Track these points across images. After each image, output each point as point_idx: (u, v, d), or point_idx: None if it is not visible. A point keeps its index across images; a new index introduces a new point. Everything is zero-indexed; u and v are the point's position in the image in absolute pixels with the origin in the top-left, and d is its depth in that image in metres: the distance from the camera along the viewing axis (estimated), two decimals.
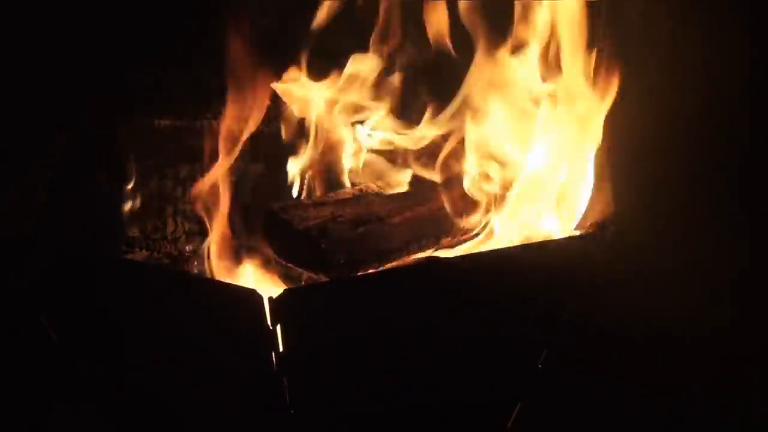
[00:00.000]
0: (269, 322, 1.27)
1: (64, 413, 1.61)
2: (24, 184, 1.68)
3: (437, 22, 1.67)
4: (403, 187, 1.69)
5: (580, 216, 1.62)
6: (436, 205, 1.62)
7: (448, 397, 1.47)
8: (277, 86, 1.67)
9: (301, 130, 1.76)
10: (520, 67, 1.62)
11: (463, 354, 1.44)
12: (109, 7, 1.76)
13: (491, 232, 1.64)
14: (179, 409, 1.49)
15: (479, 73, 1.62)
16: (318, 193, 1.73)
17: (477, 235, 1.64)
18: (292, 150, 1.76)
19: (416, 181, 1.68)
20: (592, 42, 1.58)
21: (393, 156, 1.74)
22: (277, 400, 1.34)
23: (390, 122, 1.72)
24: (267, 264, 1.58)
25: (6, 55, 1.71)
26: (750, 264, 1.85)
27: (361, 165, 1.74)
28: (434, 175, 1.66)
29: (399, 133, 1.71)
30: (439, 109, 1.67)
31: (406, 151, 1.71)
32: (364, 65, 1.69)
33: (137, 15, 1.79)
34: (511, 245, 1.59)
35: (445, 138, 1.67)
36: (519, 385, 1.55)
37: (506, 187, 1.65)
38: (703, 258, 1.82)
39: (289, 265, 1.57)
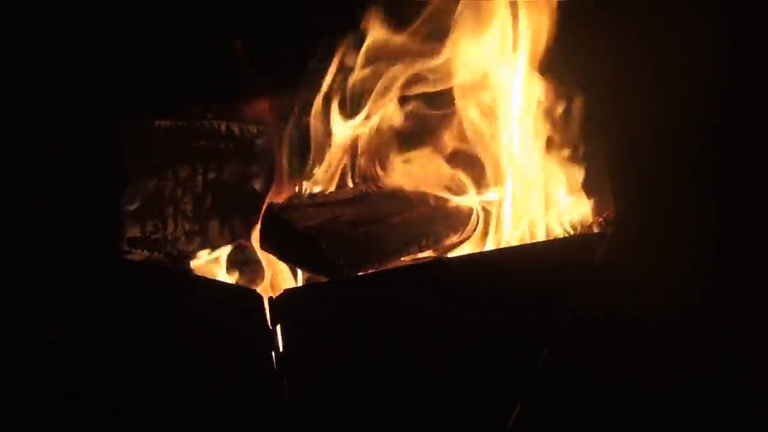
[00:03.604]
0: (269, 322, 1.27)
1: (65, 413, 1.61)
2: (24, 185, 1.68)
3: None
4: (404, 187, 1.69)
5: (580, 216, 1.62)
6: (436, 205, 1.62)
7: (448, 397, 1.47)
8: None
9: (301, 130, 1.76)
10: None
11: (463, 354, 1.44)
12: (110, 7, 1.77)
13: (491, 232, 1.64)
14: (179, 408, 1.49)
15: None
16: (318, 193, 1.73)
17: (477, 235, 1.65)
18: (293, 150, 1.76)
19: (416, 181, 1.68)
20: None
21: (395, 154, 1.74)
22: (277, 400, 1.34)
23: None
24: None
25: (7, 54, 1.71)
26: (750, 263, 1.85)
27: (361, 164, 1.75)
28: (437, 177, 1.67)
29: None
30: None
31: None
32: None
33: (138, 14, 1.79)
34: (511, 245, 1.59)
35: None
36: (519, 385, 1.55)
37: (506, 187, 1.65)
38: (703, 258, 1.82)
39: (289, 265, 1.57)
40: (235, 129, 1.81)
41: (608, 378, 1.69)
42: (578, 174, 1.63)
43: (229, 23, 1.83)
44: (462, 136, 1.67)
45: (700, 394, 1.68)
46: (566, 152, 1.64)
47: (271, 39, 1.77)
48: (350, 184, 1.73)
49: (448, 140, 1.68)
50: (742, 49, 1.76)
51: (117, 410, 1.55)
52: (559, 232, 1.62)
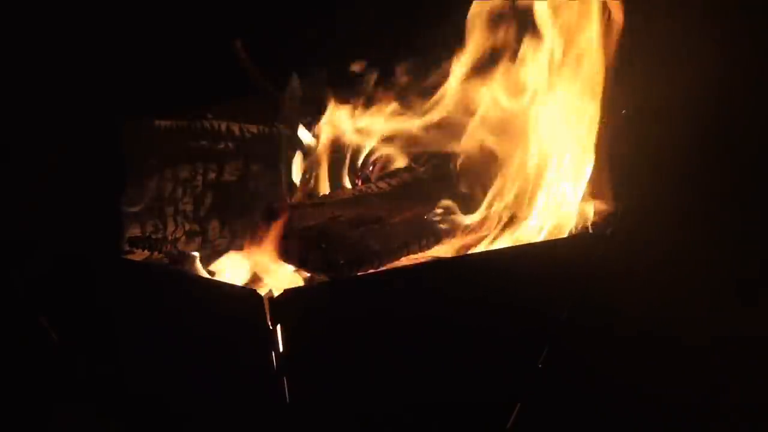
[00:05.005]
0: (269, 322, 1.27)
1: (65, 413, 1.61)
2: (24, 184, 1.68)
3: None
4: (404, 187, 1.69)
5: (580, 216, 1.62)
6: (437, 204, 1.62)
7: (448, 397, 1.47)
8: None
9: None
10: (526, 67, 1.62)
11: (463, 354, 1.44)
12: (110, 7, 1.77)
13: (492, 232, 1.64)
14: (179, 408, 1.49)
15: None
16: (318, 193, 1.73)
17: (477, 234, 1.64)
18: (294, 150, 1.76)
19: (416, 180, 1.68)
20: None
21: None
22: (277, 400, 1.34)
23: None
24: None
25: (8, 54, 1.71)
26: (749, 264, 1.85)
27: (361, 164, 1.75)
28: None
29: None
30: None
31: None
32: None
33: (138, 14, 1.79)
34: (512, 245, 1.59)
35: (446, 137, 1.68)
36: (519, 385, 1.55)
37: (507, 187, 1.65)
38: (702, 258, 1.82)
39: (289, 265, 1.57)
40: (235, 129, 1.82)
41: (608, 378, 1.69)
42: (578, 173, 1.64)
43: (229, 23, 1.83)
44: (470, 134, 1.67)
45: (699, 395, 1.68)
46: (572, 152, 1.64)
47: (271, 39, 1.78)
48: (349, 185, 1.74)
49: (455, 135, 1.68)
50: (743, 54, 1.76)
51: (117, 410, 1.55)
52: (561, 232, 1.62)
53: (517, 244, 1.60)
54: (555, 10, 1.58)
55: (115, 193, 1.73)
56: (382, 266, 1.52)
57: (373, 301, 1.37)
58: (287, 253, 1.55)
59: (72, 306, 1.50)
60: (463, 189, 1.66)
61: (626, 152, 1.62)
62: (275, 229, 1.54)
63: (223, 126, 1.81)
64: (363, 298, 1.37)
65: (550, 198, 1.65)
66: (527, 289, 1.44)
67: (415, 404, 1.45)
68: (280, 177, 1.76)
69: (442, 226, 1.62)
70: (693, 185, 1.83)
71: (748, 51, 1.78)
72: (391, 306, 1.37)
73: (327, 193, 1.71)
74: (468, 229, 1.63)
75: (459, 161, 1.68)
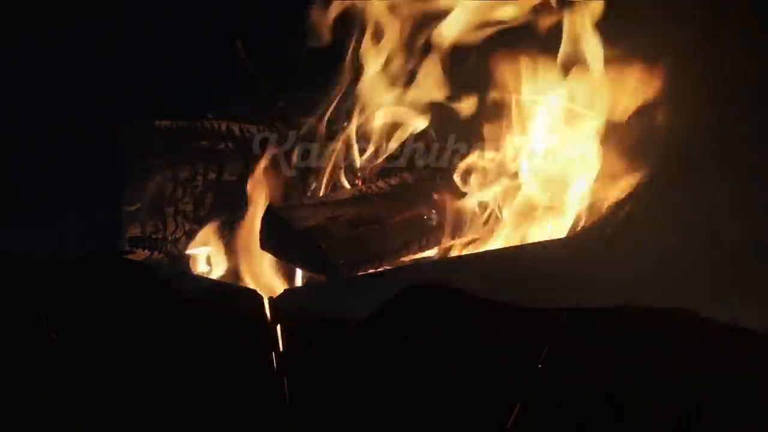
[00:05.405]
0: (269, 322, 1.27)
1: (65, 413, 1.61)
2: (24, 184, 1.68)
3: None
4: (404, 187, 1.69)
5: (580, 216, 1.62)
6: (437, 204, 1.62)
7: (448, 397, 1.47)
8: None
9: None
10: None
11: (463, 353, 1.44)
12: (112, 8, 1.77)
13: (491, 232, 1.64)
14: (179, 408, 1.49)
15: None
16: (318, 193, 1.73)
17: (477, 234, 1.65)
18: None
19: (416, 180, 1.68)
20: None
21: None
22: (277, 400, 1.34)
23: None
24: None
25: (8, 54, 1.71)
26: (751, 264, 1.85)
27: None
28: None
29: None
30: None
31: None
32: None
33: (139, 14, 1.79)
34: (511, 245, 1.59)
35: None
36: (519, 386, 1.55)
37: (507, 187, 1.65)
38: (703, 258, 1.82)
39: (289, 265, 1.57)
40: (235, 129, 1.82)
41: (608, 378, 1.69)
42: (579, 173, 1.64)
43: (229, 23, 1.83)
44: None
45: (700, 396, 1.68)
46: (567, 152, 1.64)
47: (272, 39, 1.78)
48: (348, 185, 1.74)
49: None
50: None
51: (116, 410, 1.55)
52: (559, 232, 1.62)
53: (517, 244, 1.60)
54: None
55: (116, 192, 1.74)
56: (382, 266, 1.52)
57: (373, 301, 1.37)
58: (287, 252, 1.55)
59: (72, 306, 1.49)
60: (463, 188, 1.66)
61: (627, 153, 1.62)
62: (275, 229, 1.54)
63: (223, 126, 1.81)
64: (363, 298, 1.37)
65: (552, 197, 1.65)
66: (527, 289, 1.44)
67: (415, 404, 1.45)
68: None
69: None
70: (694, 186, 1.83)
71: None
72: (390, 306, 1.37)
73: (327, 193, 1.71)
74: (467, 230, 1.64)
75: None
